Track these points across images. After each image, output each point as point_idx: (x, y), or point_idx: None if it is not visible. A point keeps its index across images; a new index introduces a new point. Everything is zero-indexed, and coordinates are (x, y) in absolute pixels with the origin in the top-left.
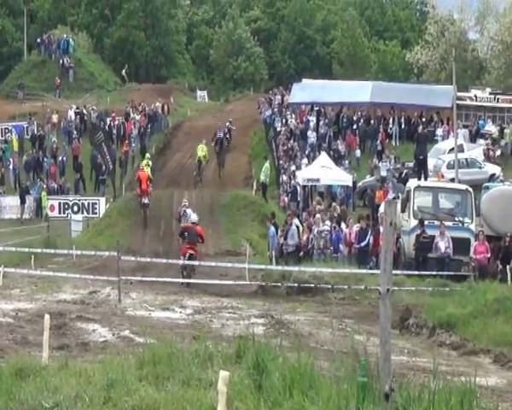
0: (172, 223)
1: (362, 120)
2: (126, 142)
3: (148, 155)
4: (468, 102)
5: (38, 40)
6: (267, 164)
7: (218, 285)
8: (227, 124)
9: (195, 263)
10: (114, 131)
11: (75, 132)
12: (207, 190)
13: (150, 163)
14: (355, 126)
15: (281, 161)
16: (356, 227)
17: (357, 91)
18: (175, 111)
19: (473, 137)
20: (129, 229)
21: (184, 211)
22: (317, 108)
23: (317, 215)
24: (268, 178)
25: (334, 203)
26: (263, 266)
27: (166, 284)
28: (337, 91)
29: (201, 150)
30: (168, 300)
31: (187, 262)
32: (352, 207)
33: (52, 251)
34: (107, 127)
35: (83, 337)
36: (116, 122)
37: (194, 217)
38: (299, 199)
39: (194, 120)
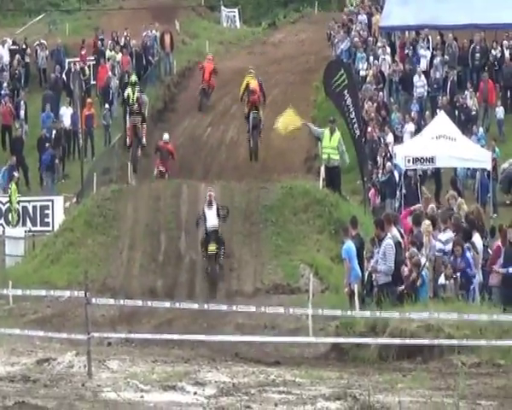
0: (181, 237)
1: (508, 55)
2: (95, 99)
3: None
4: None
5: None
6: (338, 132)
7: (262, 344)
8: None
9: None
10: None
11: (4, 85)
12: (242, 182)
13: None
14: (496, 67)
15: (368, 128)
16: (497, 243)
17: (501, 4)
18: (183, 45)
19: None
20: (105, 251)
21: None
22: (429, 36)
23: (426, 222)
24: (346, 157)
25: (459, 199)
26: (338, 312)
27: (171, 343)
28: (466, 5)
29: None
30: (174, 372)
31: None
32: (491, 205)
33: None
34: (64, 75)
35: None
36: (81, 65)
37: (165, 136)
38: (398, 194)
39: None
